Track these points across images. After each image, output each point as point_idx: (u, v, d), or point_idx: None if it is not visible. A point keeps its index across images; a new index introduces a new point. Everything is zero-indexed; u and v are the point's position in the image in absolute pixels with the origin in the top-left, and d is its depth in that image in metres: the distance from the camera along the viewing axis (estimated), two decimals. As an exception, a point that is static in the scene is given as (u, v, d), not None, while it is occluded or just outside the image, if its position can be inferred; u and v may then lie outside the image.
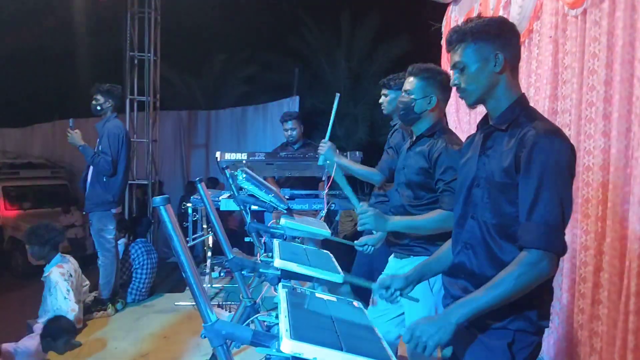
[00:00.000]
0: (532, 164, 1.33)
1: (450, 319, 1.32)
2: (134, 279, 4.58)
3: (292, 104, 7.21)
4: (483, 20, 1.46)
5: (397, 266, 2.22)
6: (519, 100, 1.47)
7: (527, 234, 1.32)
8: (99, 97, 4.21)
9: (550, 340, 2.84)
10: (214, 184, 7.04)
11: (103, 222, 4.15)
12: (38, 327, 3.58)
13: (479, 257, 1.47)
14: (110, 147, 4.09)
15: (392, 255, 2.29)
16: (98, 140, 4.23)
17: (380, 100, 3.08)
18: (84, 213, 4.38)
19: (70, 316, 3.48)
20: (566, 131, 2.63)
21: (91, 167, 4.19)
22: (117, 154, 4.14)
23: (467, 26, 1.45)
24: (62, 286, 3.53)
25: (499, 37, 1.44)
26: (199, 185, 2.15)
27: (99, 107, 4.23)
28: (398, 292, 1.65)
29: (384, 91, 3.04)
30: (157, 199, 1.14)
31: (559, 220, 1.32)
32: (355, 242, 2.50)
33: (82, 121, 7.09)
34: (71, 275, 3.68)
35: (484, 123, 1.56)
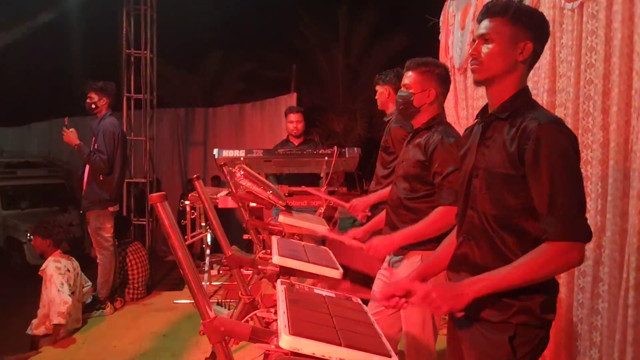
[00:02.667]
0: (540, 157, 1.31)
1: (468, 291, 1.33)
2: (130, 278, 4.57)
3: (289, 100, 7.20)
4: (529, 6, 1.45)
5: (393, 260, 2.23)
6: (522, 92, 1.45)
7: (552, 228, 1.30)
8: (92, 95, 4.19)
9: (550, 335, 2.84)
10: (217, 182, 7.03)
11: (100, 221, 4.13)
12: (36, 320, 3.60)
13: (481, 248, 1.46)
14: (105, 145, 4.07)
15: None
16: (94, 138, 4.21)
17: (376, 97, 3.16)
18: (80, 212, 4.37)
19: (63, 308, 3.49)
20: (564, 125, 2.63)
21: (87, 166, 4.18)
22: (113, 152, 4.12)
23: (512, 4, 1.42)
24: (56, 279, 3.55)
25: (536, 28, 1.42)
26: (196, 183, 2.14)
27: (93, 106, 4.21)
28: (403, 300, 1.63)
29: (376, 87, 3.13)
30: (154, 195, 1.13)
31: (579, 208, 1.32)
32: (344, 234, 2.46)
33: (78, 119, 7.06)
34: (68, 270, 3.69)
35: (483, 112, 1.54)
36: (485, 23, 1.44)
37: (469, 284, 1.35)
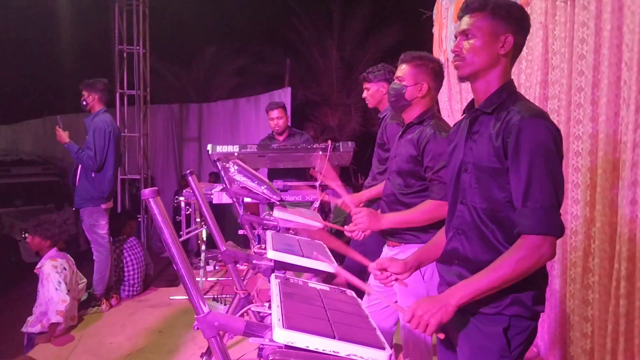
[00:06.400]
0: (520, 150, 1.33)
1: (450, 301, 1.33)
2: (125, 275, 4.57)
3: (284, 95, 7.18)
4: (507, 0, 1.44)
5: (390, 254, 2.22)
6: (506, 85, 1.46)
7: (525, 220, 1.31)
8: (83, 92, 4.23)
9: (543, 326, 2.87)
10: (215, 178, 7.01)
11: (94, 218, 4.12)
12: (32, 318, 3.59)
13: (472, 242, 1.47)
14: (94, 142, 4.07)
15: (385, 244, 2.30)
16: (87, 135, 4.20)
17: (364, 95, 3.09)
18: (73, 209, 4.37)
19: (61, 307, 3.49)
20: (555, 117, 2.64)
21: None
22: (103, 149, 4.10)
23: None
24: (53, 278, 3.54)
25: (516, 21, 1.42)
26: (189, 178, 2.13)
27: (84, 102, 4.24)
28: (394, 277, 1.65)
29: (365, 85, 3.06)
30: (146, 191, 1.13)
31: (554, 202, 1.32)
32: (345, 226, 2.48)
33: (73, 117, 7.05)
34: (65, 269, 3.68)
35: (470, 107, 1.55)
36: (466, 19, 1.45)
37: (451, 294, 1.35)
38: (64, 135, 4.13)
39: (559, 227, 1.33)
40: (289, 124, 4.63)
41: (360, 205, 2.87)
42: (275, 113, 4.46)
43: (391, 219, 2.09)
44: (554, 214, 1.32)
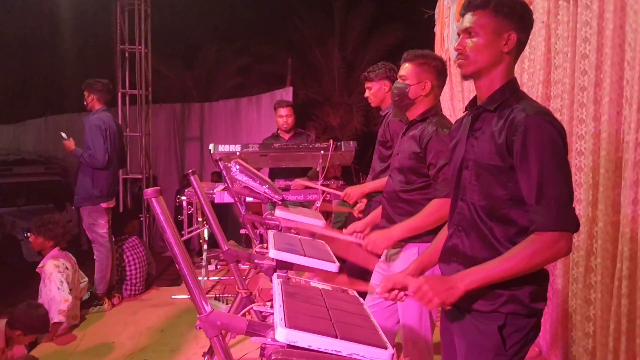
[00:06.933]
0: (528, 148, 1.32)
1: (459, 284, 1.33)
2: (127, 274, 4.58)
3: (285, 94, 7.17)
4: None
5: (390, 253, 2.23)
6: (510, 83, 1.46)
7: (540, 218, 1.31)
8: (84, 92, 4.25)
9: (545, 325, 2.86)
10: (217, 177, 7.01)
11: (93, 217, 4.12)
12: None
13: (470, 239, 1.47)
14: (91, 140, 4.07)
15: None
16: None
17: (366, 95, 3.09)
18: (72, 207, 4.38)
19: (63, 306, 3.50)
20: (558, 116, 2.64)
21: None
22: (104, 145, 4.07)
23: None
24: (55, 277, 3.55)
25: (519, 18, 1.42)
26: (191, 178, 2.14)
27: (85, 103, 4.26)
28: (402, 293, 1.63)
29: (367, 84, 3.06)
30: (148, 190, 1.13)
31: (567, 198, 1.32)
32: (344, 229, 2.47)
33: (75, 116, 7.05)
34: (67, 269, 3.69)
35: (472, 104, 1.55)
36: (468, 17, 1.44)
37: (460, 277, 1.35)
38: (70, 144, 4.17)
39: (575, 222, 1.33)
40: None
41: (362, 197, 2.87)
42: (284, 111, 4.48)
43: (402, 230, 2.07)
44: (569, 209, 1.32)
